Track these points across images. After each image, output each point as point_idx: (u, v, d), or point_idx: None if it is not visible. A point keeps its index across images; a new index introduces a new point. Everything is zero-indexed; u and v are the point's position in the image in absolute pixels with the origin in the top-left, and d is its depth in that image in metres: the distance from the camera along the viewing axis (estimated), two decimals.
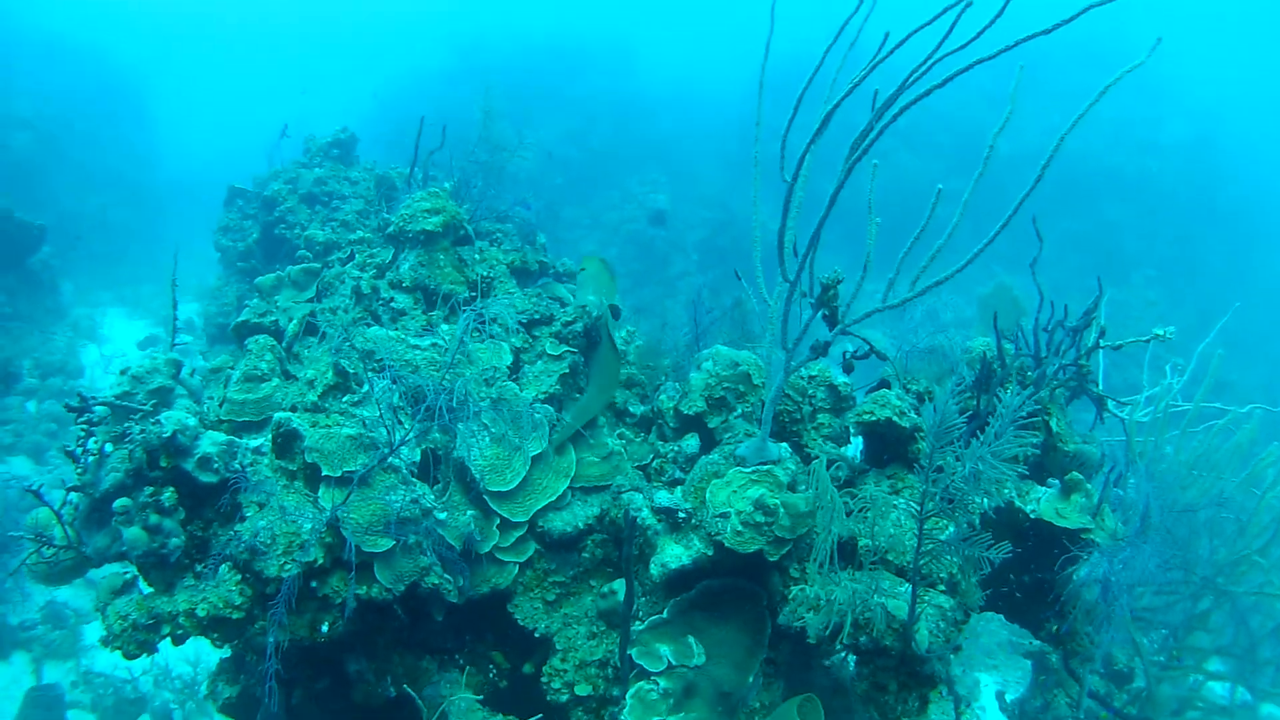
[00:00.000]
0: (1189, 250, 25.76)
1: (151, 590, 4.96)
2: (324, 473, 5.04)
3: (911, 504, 5.02)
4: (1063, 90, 25.00)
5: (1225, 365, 6.81)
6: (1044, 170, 4.09)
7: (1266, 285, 24.40)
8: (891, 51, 4.37)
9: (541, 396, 6.19)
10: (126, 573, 5.08)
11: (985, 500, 4.67)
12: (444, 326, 6.45)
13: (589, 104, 28.98)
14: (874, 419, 5.67)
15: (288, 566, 4.71)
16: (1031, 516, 5.59)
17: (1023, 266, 6.16)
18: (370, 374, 5.65)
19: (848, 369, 6.12)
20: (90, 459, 5.03)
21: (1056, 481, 5.73)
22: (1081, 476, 5.64)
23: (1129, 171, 26.81)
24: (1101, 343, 6.12)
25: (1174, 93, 28.55)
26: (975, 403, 5.83)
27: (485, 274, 6.93)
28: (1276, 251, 26.00)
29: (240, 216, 12.28)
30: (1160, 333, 5.66)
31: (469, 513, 5.50)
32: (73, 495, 5.11)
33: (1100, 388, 6.41)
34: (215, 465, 4.91)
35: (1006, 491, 5.56)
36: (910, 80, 4.22)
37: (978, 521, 4.71)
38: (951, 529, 4.87)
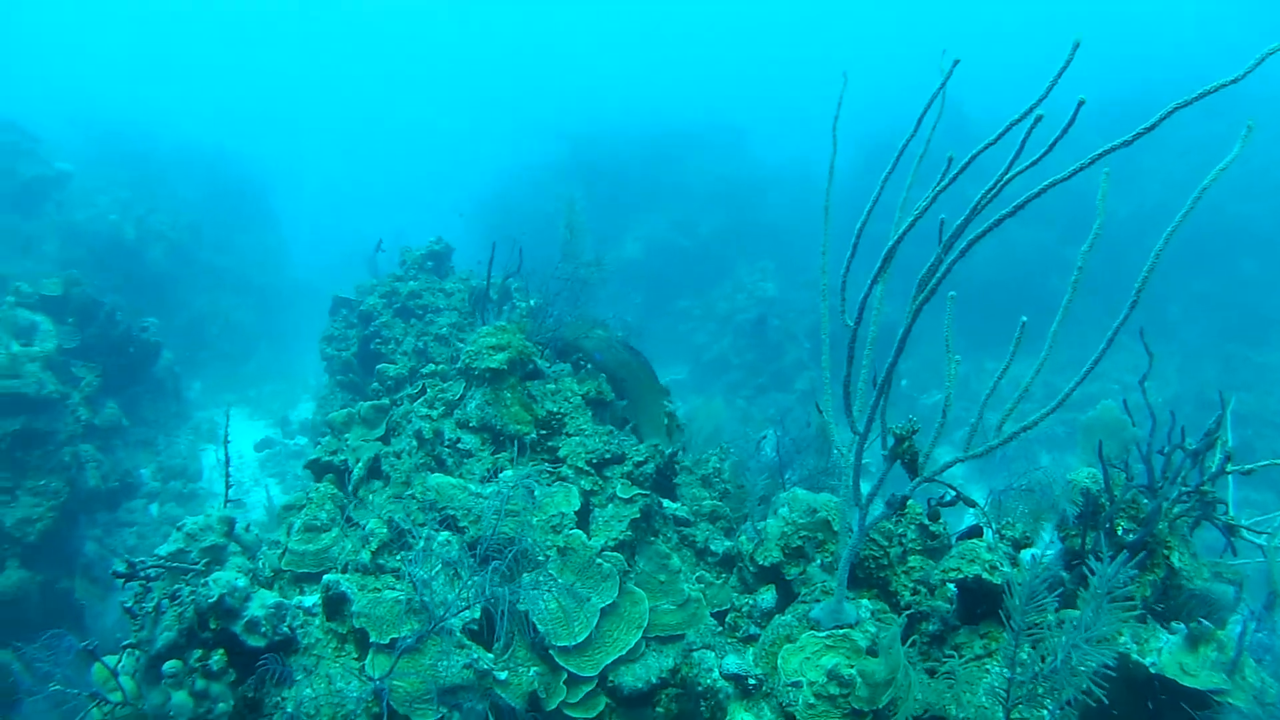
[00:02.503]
0: None
1: None
2: (372, 639, 4.88)
3: (1003, 670, 4.58)
4: (1183, 142, 23.93)
5: None
6: (1145, 280, 3.64)
7: None
8: (955, 178, 4.07)
9: (611, 544, 5.94)
10: None
11: (1084, 680, 4.17)
12: (507, 472, 6.24)
13: (697, 191, 29.06)
14: (962, 576, 5.24)
15: None
16: (1151, 670, 4.94)
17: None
18: (426, 529, 5.47)
19: (934, 517, 5.71)
20: (148, 616, 4.98)
21: (1182, 627, 5.01)
22: (1210, 626, 4.94)
23: (1264, 222, 24.45)
24: (1229, 467, 5.50)
25: None
26: (1080, 541, 5.36)
27: (555, 410, 6.74)
28: None
29: (344, 325, 12.48)
30: None
31: (533, 670, 5.26)
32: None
33: (1231, 511, 5.74)
34: (263, 629, 4.81)
35: (1121, 642, 5.00)
36: (981, 205, 3.89)
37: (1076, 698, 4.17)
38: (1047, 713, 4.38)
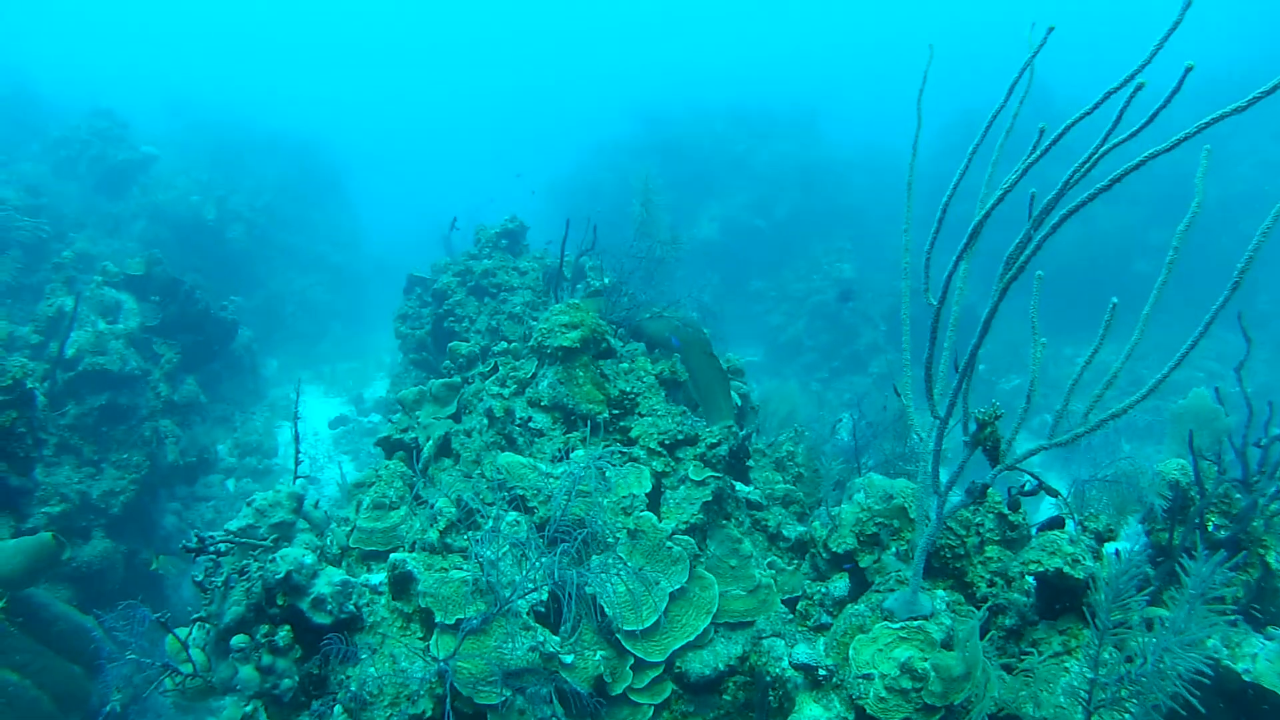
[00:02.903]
0: None
1: None
2: (438, 619, 4.81)
3: (1085, 669, 4.38)
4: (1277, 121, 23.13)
5: None
6: (1250, 261, 3.39)
7: None
8: (1048, 149, 3.85)
9: (682, 527, 5.79)
10: (248, 705, 5.01)
11: (1173, 685, 3.95)
12: (579, 451, 6.14)
13: (774, 172, 28.70)
14: (1042, 569, 5.01)
15: (394, 719, 4.48)
16: (1245, 679, 4.69)
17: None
18: (495, 509, 5.40)
19: (1014, 506, 5.49)
20: (217, 591, 5.00)
21: (1278, 633, 4.82)
22: None
23: None
24: None
25: None
26: (1168, 536, 5.12)
27: (628, 389, 6.63)
28: None
29: (418, 304, 12.53)
30: None
31: (599, 654, 5.15)
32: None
33: None
34: (329, 606, 4.78)
35: (1209, 645, 4.76)
36: (1073, 180, 3.67)
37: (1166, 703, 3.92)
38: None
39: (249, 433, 16.34)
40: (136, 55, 49.79)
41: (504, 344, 7.73)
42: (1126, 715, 4.02)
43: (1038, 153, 3.81)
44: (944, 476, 4.54)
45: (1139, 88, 3.32)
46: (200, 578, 5.06)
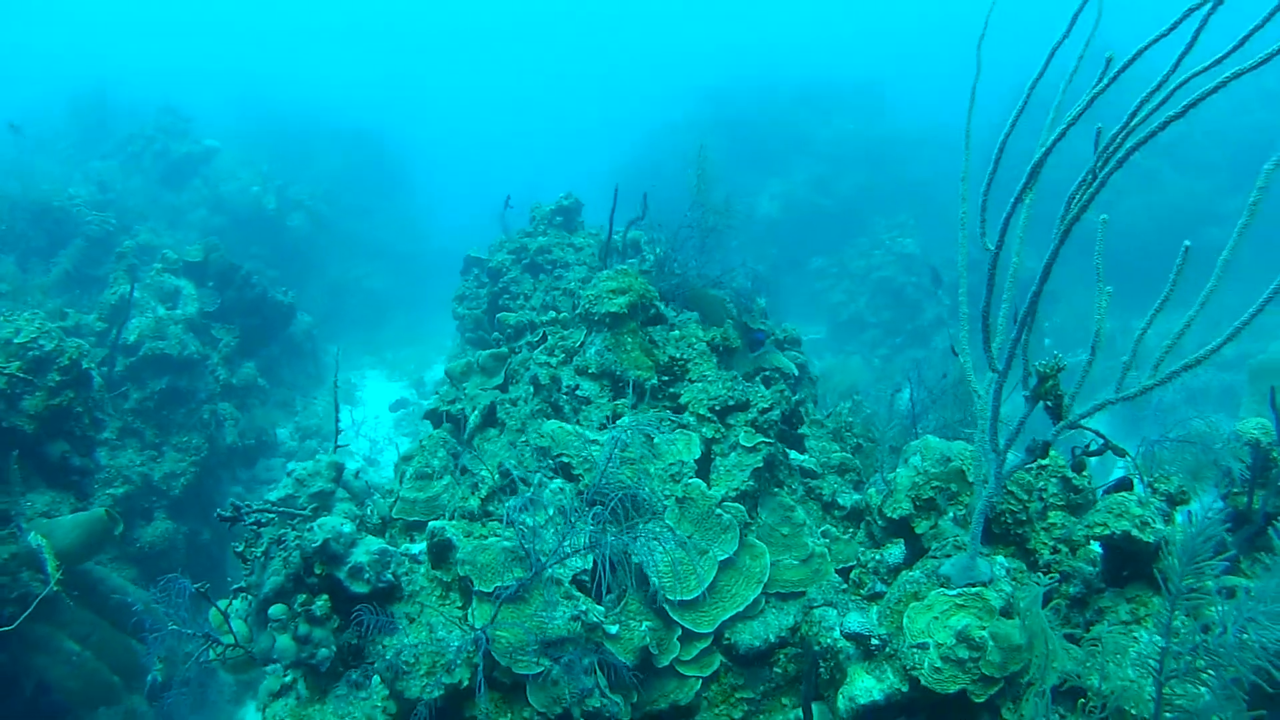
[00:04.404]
0: None
1: (308, 695, 4.76)
2: (476, 587, 4.67)
3: (1155, 638, 4.10)
4: None
5: None
6: None
7: None
8: (1113, 80, 3.58)
9: (732, 494, 5.57)
10: (287, 675, 4.94)
11: (1254, 657, 3.63)
12: (626, 418, 5.96)
13: (837, 149, 28.26)
14: (1109, 532, 4.71)
15: (429, 689, 4.36)
16: None
17: None
18: (539, 476, 5.25)
19: (1078, 468, 5.19)
20: (257, 561, 4.93)
21: None
22: None
23: None
24: None
25: None
26: (1248, 501, 4.81)
27: (678, 355, 6.43)
28: None
29: (475, 284, 12.45)
30: None
31: (645, 624, 4.97)
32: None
33: None
34: (367, 575, 4.67)
35: None
36: (1139, 113, 3.39)
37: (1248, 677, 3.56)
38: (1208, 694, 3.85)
39: (309, 416, 16.46)
40: (201, 51, 50.55)
41: (552, 314, 7.58)
42: (1202, 689, 3.74)
43: (1105, 83, 3.54)
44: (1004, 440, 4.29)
45: (1219, 2, 3.05)
46: (240, 548, 4.99)
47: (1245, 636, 3.49)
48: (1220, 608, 3.59)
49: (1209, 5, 3.06)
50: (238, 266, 14.63)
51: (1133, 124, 3.37)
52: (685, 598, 5.04)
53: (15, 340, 7.97)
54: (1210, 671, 3.55)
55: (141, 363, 11.93)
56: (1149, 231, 20.13)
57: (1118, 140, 3.42)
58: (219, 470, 12.53)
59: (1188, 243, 3.37)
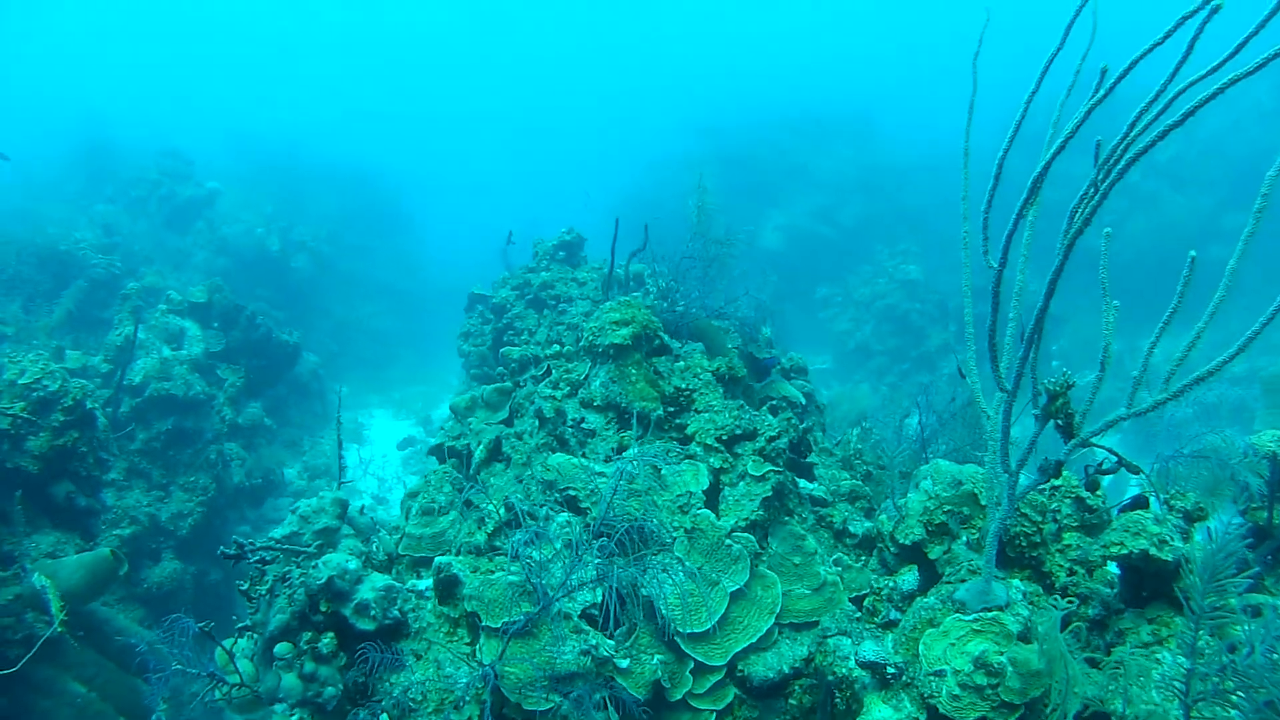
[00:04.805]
0: None
1: None
2: (484, 622, 4.61)
3: (1179, 660, 4.01)
4: None
5: None
6: None
7: None
8: (1109, 92, 3.54)
9: (742, 524, 5.52)
10: (293, 714, 4.86)
11: None
12: (632, 449, 5.91)
13: (836, 178, 28.38)
14: (1126, 552, 4.62)
15: None
16: None
17: None
18: (545, 510, 5.19)
19: (1092, 487, 5.12)
20: (262, 599, 4.87)
21: None
22: None
23: None
24: None
25: None
26: (1268, 515, 4.73)
27: (683, 386, 6.38)
28: None
29: (480, 321, 12.42)
30: None
31: (656, 658, 4.90)
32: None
33: None
34: (373, 612, 4.61)
35: None
36: (1138, 124, 3.36)
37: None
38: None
39: (317, 455, 16.41)
40: (199, 94, 50.91)
41: (556, 347, 7.54)
42: (1232, 711, 3.64)
43: (1102, 93, 3.51)
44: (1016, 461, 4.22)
45: (1215, 9, 3.02)
46: (245, 586, 4.93)
47: (1276, 656, 3.42)
48: (1246, 626, 3.51)
49: (1205, 12, 3.03)
50: (242, 307, 14.65)
51: (1132, 134, 3.34)
52: (697, 630, 4.98)
53: (20, 381, 7.97)
54: (1240, 694, 3.46)
55: (147, 403, 11.91)
56: (1152, 253, 20.14)
57: (1117, 152, 3.40)
58: (227, 510, 12.48)
59: (1193, 253, 3.34)
